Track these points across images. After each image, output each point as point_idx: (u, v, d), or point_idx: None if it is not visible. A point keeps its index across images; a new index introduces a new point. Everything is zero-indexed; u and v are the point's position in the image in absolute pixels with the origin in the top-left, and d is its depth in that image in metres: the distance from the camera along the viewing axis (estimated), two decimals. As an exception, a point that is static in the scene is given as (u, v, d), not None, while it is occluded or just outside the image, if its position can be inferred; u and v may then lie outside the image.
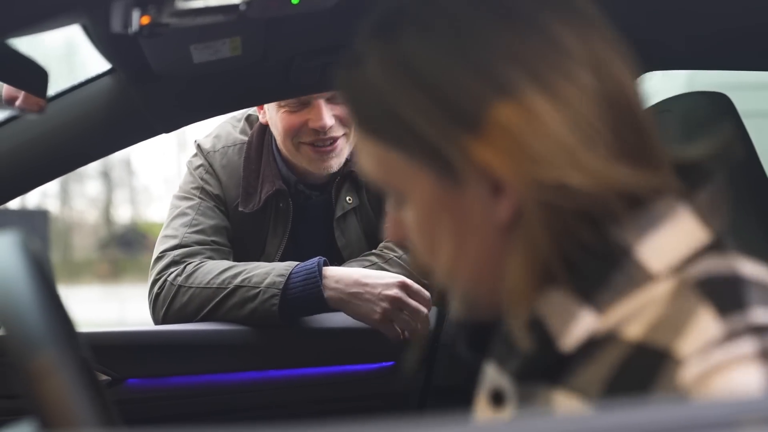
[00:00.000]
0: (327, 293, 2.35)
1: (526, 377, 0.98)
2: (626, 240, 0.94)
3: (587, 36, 0.96)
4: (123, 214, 17.06)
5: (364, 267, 2.46)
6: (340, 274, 2.39)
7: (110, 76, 2.08)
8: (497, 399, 1.01)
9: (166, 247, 2.54)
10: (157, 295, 2.48)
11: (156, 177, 16.18)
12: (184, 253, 2.52)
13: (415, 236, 1.02)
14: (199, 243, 2.55)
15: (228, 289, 2.41)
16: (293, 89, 2.23)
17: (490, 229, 0.97)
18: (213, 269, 2.46)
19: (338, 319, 2.44)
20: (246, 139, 2.66)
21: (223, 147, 2.66)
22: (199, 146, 2.70)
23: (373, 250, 2.55)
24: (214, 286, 2.42)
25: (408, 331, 2.34)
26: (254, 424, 2.41)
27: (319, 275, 2.35)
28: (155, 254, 2.57)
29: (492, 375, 1.02)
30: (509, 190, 0.94)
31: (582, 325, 0.93)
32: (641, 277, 0.93)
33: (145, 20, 1.64)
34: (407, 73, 0.96)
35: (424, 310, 2.35)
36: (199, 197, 2.62)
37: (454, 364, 2.48)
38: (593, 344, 0.93)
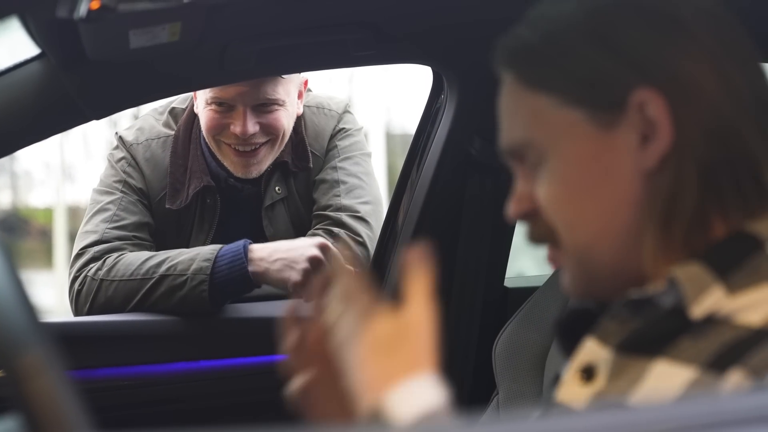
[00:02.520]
0: (251, 268, 2.34)
1: (630, 347, 1.00)
2: (762, 232, 0.99)
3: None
4: (3, 200, 16.69)
5: (291, 242, 2.44)
6: (264, 249, 2.39)
7: (39, 61, 2.02)
8: (588, 374, 1.03)
9: (86, 243, 2.50)
10: (78, 291, 2.44)
11: (37, 162, 15.85)
12: (104, 249, 2.47)
13: (552, 195, 1.04)
14: (120, 239, 2.51)
15: (153, 279, 2.37)
16: (227, 75, 2.20)
17: (633, 176, 1.00)
18: (135, 260, 2.42)
19: (271, 308, 2.42)
20: (170, 132, 2.62)
21: (147, 140, 2.62)
22: (121, 138, 2.64)
23: (318, 226, 2.53)
24: (138, 277, 2.39)
25: None
26: (186, 416, 2.39)
27: (245, 255, 2.33)
28: (75, 251, 2.52)
29: (589, 349, 1.03)
30: (662, 134, 0.98)
31: (712, 298, 0.96)
32: None
33: (95, 5, 1.60)
34: (590, 25, 1.03)
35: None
36: (122, 191, 2.57)
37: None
38: (711, 321, 0.96)
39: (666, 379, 0.95)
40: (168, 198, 2.57)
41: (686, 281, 0.98)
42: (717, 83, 0.99)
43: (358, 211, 2.55)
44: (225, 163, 2.55)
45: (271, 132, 2.50)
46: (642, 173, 1.00)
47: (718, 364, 0.93)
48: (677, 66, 0.99)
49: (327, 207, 2.56)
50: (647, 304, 0.99)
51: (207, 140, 2.54)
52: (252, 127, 2.46)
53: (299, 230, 2.60)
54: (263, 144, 2.51)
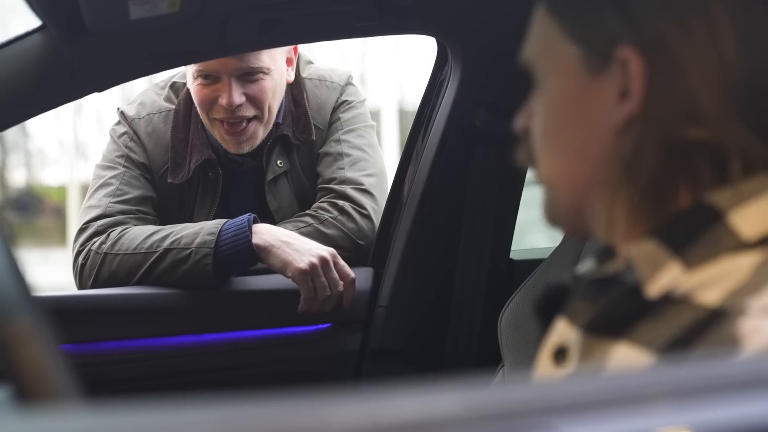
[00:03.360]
0: (255, 241, 2.33)
1: (595, 328, 0.99)
2: (722, 202, 0.97)
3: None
4: (18, 178, 16.72)
5: (299, 228, 2.44)
6: (272, 228, 2.39)
7: (40, 33, 2.01)
8: (559, 356, 1.03)
9: (90, 217, 2.49)
10: (82, 266, 2.44)
11: (51, 140, 15.88)
12: (107, 223, 2.47)
13: (537, 122, 1.07)
14: (123, 213, 2.50)
15: (157, 253, 2.37)
16: (229, 47, 2.19)
17: (604, 130, 1.01)
18: (139, 234, 2.42)
19: (274, 281, 2.41)
20: (171, 107, 2.62)
21: (148, 114, 2.61)
22: (122, 113, 2.64)
23: (308, 211, 2.53)
24: (143, 251, 2.38)
25: (321, 297, 2.34)
26: (189, 389, 2.39)
27: (249, 230, 2.33)
28: (78, 225, 2.52)
29: (560, 330, 1.03)
30: (633, 97, 0.99)
31: (668, 276, 0.95)
32: (730, 242, 0.95)
33: (91, -25, 1.59)
34: None
35: (340, 286, 2.36)
36: (124, 166, 2.56)
37: (390, 326, 2.48)
38: (668, 300, 0.94)
39: (626, 362, 0.94)
40: (170, 172, 2.56)
41: (641, 260, 0.97)
42: (708, 65, 0.97)
43: (362, 184, 2.54)
44: (218, 140, 2.54)
45: (257, 104, 2.48)
46: (611, 129, 1.00)
47: (674, 348, 0.91)
48: (671, 36, 0.98)
49: (331, 180, 2.55)
50: (610, 283, 0.98)
51: (201, 117, 2.53)
52: (238, 97, 2.44)
53: (303, 203, 2.59)
54: (251, 120, 2.50)
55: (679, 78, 0.98)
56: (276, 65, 2.49)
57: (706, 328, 0.90)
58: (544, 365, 1.05)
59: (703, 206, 0.97)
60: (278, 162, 2.58)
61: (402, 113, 13.73)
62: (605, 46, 1.01)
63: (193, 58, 2.29)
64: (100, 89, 2.13)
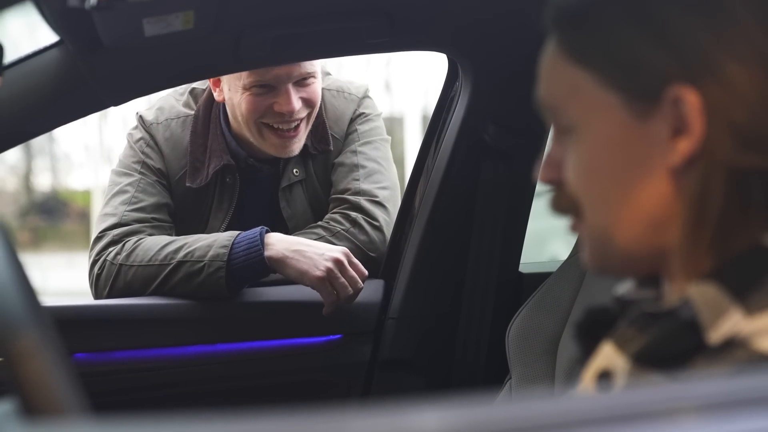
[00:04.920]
0: (267, 253, 2.35)
1: (646, 361, 0.97)
2: None
3: None
4: (43, 182, 16.80)
5: (311, 240, 2.46)
6: (283, 238, 2.41)
7: (57, 48, 2.05)
8: (603, 379, 1.01)
9: (105, 226, 2.52)
10: (98, 275, 2.47)
11: (77, 144, 15.95)
12: (123, 232, 2.50)
13: (578, 172, 1.03)
14: (138, 221, 2.53)
15: (171, 265, 2.40)
16: (242, 63, 2.22)
17: (660, 171, 0.98)
18: (153, 245, 2.44)
19: (286, 292, 2.44)
20: (190, 112, 2.64)
21: (167, 119, 2.64)
22: (141, 118, 2.66)
23: (319, 222, 2.55)
24: (157, 262, 2.41)
25: (343, 297, 2.36)
26: (202, 398, 2.43)
27: (261, 243, 2.36)
28: (95, 233, 2.55)
29: (607, 354, 1.01)
30: (693, 133, 0.95)
31: (730, 322, 0.93)
32: None
33: (104, -5, 1.63)
34: (639, 9, 0.99)
35: (360, 282, 2.38)
36: (140, 172, 2.59)
37: (400, 338, 2.51)
38: (727, 345, 0.93)
39: None
40: (188, 176, 2.59)
41: (703, 305, 0.95)
42: (759, 87, 0.95)
43: (376, 196, 2.57)
44: (264, 147, 2.55)
45: (310, 104, 2.53)
46: (669, 169, 0.97)
47: None
48: (720, 64, 0.96)
49: (345, 191, 2.58)
50: (664, 317, 0.97)
51: (246, 127, 2.54)
52: (297, 103, 2.48)
53: (317, 212, 2.62)
54: (302, 120, 2.54)
55: (737, 105, 0.95)
56: (319, 69, 2.54)
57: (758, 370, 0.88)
58: (587, 387, 1.04)
59: (764, 248, 0.95)
60: (294, 170, 2.61)
61: (426, 120, 13.71)
62: (652, 88, 0.97)
63: (207, 73, 2.32)
64: (116, 103, 2.16)
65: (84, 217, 15.59)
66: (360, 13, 2.12)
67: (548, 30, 1.06)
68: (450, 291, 2.52)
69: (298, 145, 2.55)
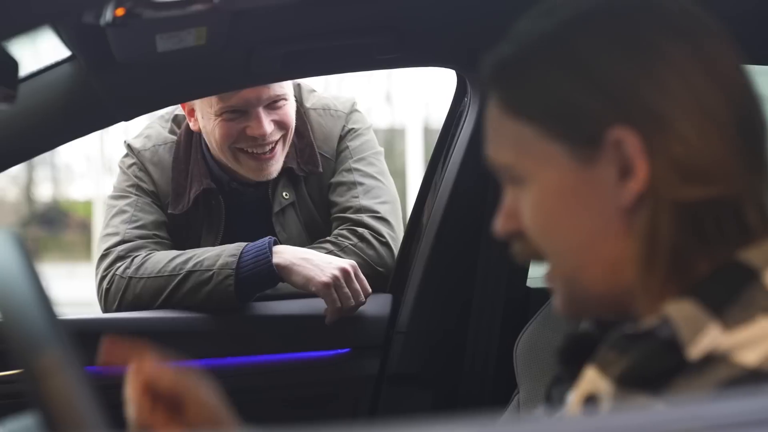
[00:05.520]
0: (275, 260, 2.37)
1: (629, 383, 0.99)
2: (756, 260, 0.97)
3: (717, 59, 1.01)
4: (44, 193, 16.79)
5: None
6: (291, 247, 2.43)
7: (69, 63, 2.06)
8: (589, 403, 1.02)
9: (110, 244, 2.54)
10: (107, 290, 2.48)
11: (78, 155, 15.95)
12: (128, 248, 2.52)
13: (533, 221, 1.04)
14: (141, 237, 2.55)
15: (180, 275, 2.41)
16: (253, 78, 2.24)
17: (612, 211, 1.00)
18: (162, 258, 2.46)
19: (295, 306, 2.45)
20: (175, 138, 2.66)
21: (154, 146, 2.66)
22: (129, 146, 2.68)
23: (328, 238, 2.56)
24: (166, 273, 2.43)
25: (346, 307, 2.37)
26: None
27: (270, 251, 2.37)
28: (99, 252, 2.56)
29: (591, 378, 1.02)
30: (638, 174, 0.97)
31: (709, 337, 0.95)
32: (765, 302, 0.95)
33: (120, 11, 1.64)
34: (570, 59, 1.01)
35: (362, 296, 2.39)
36: (136, 194, 2.61)
37: (408, 352, 2.51)
38: (707, 360, 0.94)
39: None
40: (171, 203, 2.60)
41: (681, 321, 0.96)
42: (696, 119, 0.97)
43: (377, 212, 2.57)
44: (241, 171, 2.56)
45: (283, 127, 2.52)
46: (620, 210, 0.99)
47: None
48: (653, 101, 0.98)
49: (347, 209, 2.58)
50: (643, 337, 0.98)
51: (221, 152, 2.55)
52: (269, 126, 2.49)
53: (313, 234, 2.62)
54: (278, 142, 2.54)
55: (675, 141, 0.97)
56: (290, 90, 2.55)
57: (745, 387, 0.90)
58: (574, 412, 1.04)
59: (738, 265, 0.97)
60: (284, 194, 2.61)
61: (427, 131, 13.72)
62: (593, 134, 0.99)
63: (218, 88, 2.33)
64: (127, 118, 2.17)
65: (85, 227, 15.58)
66: (370, 29, 2.13)
67: (487, 86, 1.08)
68: (458, 306, 2.53)
69: (275, 167, 2.55)
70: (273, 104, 2.49)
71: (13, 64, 1.67)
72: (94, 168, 15.45)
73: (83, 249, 14.88)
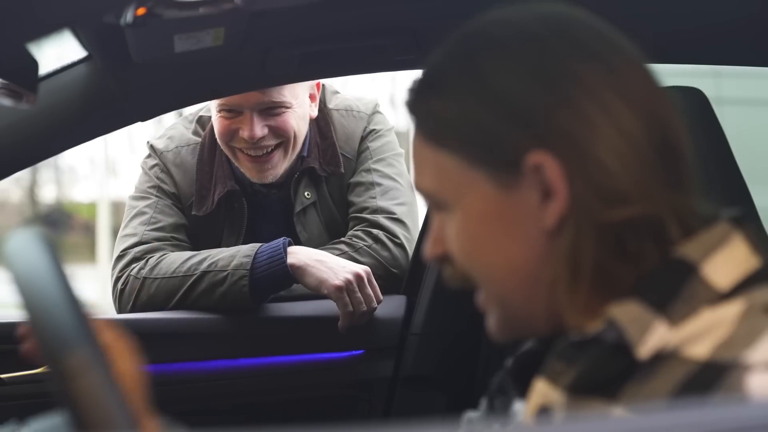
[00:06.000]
0: (290, 260, 2.37)
1: (581, 390, 0.99)
2: (692, 256, 0.98)
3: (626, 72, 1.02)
4: (48, 194, 16.81)
5: (334, 254, 2.47)
6: (306, 249, 2.43)
7: (86, 63, 2.06)
8: (542, 416, 1.03)
9: (127, 245, 2.54)
10: (122, 290, 2.48)
11: (82, 157, 15.97)
12: (144, 249, 2.52)
13: (459, 246, 1.05)
14: (159, 239, 2.55)
15: (195, 276, 2.41)
16: (269, 79, 2.24)
17: (536, 234, 1.01)
18: (177, 259, 2.46)
19: (309, 308, 2.45)
20: (198, 139, 2.67)
21: (176, 147, 2.67)
22: (152, 147, 2.70)
23: (342, 239, 2.56)
24: (180, 274, 2.43)
25: (357, 311, 2.37)
26: (224, 413, 2.43)
27: (284, 252, 2.37)
28: (115, 253, 2.57)
29: (541, 391, 1.03)
30: (559, 197, 0.98)
31: (656, 335, 0.95)
32: (707, 294, 0.96)
33: (141, 11, 1.64)
34: (484, 87, 1.01)
35: (374, 303, 2.38)
36: (156, 196, 2.62)
37: (422, 354, 2.51)
38: (658, 358, 0.95)
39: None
40: (195, 204, 2.61)
41: (626, 322, 0.97)
42: (613, 143, 0.98)
43: (394, 213, 2.57)
44: (242, 169, 2.58)
45: (280, 134, 2.53)
46: (544, 232, 1.00)
47: None
48: (570, 127, 0.98)
49: (364, 209, 2.58)
50: (590, 344, 0.99)
51: (222, 148, 2.58)
52: (260, 130, 2.49)
53: (333, 234, 2.63)
54: (275, 148, 2.54)
55: (593, 164, 0.97)
56: (298, 101, 2.53)
57: (704, 383, 0.90)
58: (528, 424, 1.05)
59: (676, 260, 0.98)
60: (306, 194, 2.62)
61: (430, 135, 13.71)
62: (512, 160, 1.00)
63: (235, 89, 2.33)
64: (144, 119, 2.17)
65: (89, 229, 15.59)
66: (387, 30, 2.12)
67: (408, 117, 1.08)
68: (472, 308, 2.50)
69: (272, 172, 2.56)
70: (269, 110, 2.50)
71: (34, 66, 1.66)
72: (98, 170, 15.46)
73: (87, 251, 14.88)
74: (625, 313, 0.97)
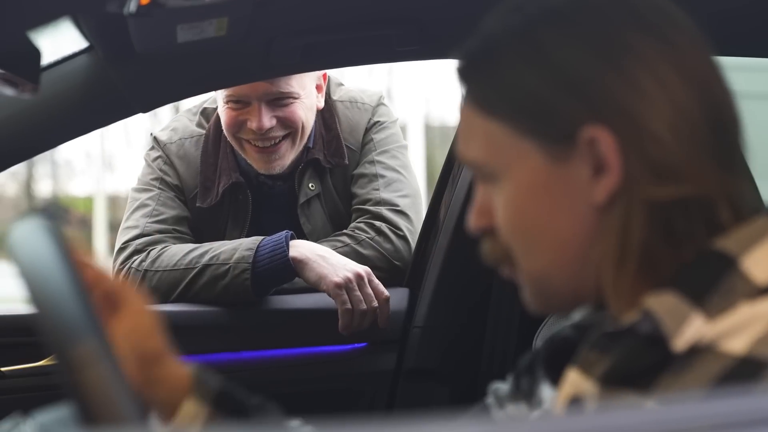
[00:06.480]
0: (292, 254, 2.36)
1: (614, 381, 0.98)
2: (732, 249, 0.96)
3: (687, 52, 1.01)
4: (44, 189, 16.80)
5: (336, 248, 2.46)
6: (309, 243, 2.43)
7: (87, 54, 2.04)
8: (574, 407, 1.01)
9: (128, 237, 2.53)
10: None
11: (78, 151, 15.96)
12: (146, 242, 2.51)
13: (505, 219, 1.03)
14: (161, 232, 2.54)
15: (197, 269, 2.40)
16: (272, 70, 2.22)
17: (585, 209, 0.99)
18: (178, 251, 2.45)
19: (311, 300, 2.44)
20: (202, 132, 2.66)
21: (180, 139, 2.66)
22: (155, 138, 2.69)
23: (345, 230, 2.55)
24: (182, 267, 2.42)
25: (357, 311, 2.35)
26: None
27: (287, 245, 2.36)
28: (117, 246, 2.56)
29: (573, 381, 1.02)
30: (612, 172, 0.97)
31: (692, 327, 0.94)
32: (746, 289, 0.94)
33: (145, 1, 1.62)
34: (541, 56, 1.00)
35: (375, 302, 2.37)
36: (159, 188, 2.61)
37: (425, 347, 2.50)
38: (692, 351, 0.93)
39: None
40: (199, 196, 2.60)
41: (663, 313, 0.95)
42: (669, 118, 0.97)
43: (397, 205, 2.57)
44: (248, 160, 2.57)
45: (289, 125, 2.52)
46: (593, 207, 0.99)
47: None
48: (627, 100, 0.97)
49: (367, 201, 2.57)
50: (625, 334, 0.97)
51: (228, 139, 2.56)
52: (268, 121, 2.48)
53: (337, 225, 2.62)
54: (283, 138, 2.53)
55: (648, 140, 0.96)
56: (305, 91, 2.52)
57: (740, 379, 0.89)
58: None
59: (715, 253, 0.96)
60: (310, 185, 2.61)
61: (428, 128, 13.73)
62: (565, 132, 0.99)
63: (237, 80, 2.32)
64: (145, 110, 2.16)
65: (85, 224, 15.58)
66: (390, 21, 2.11)
67: (459, 85, 1.07)
68: (476, 300, 2.51)
69: (280, 162, 2.55)
70: (277, 101, 2.49)
71: (36, 56, 1.65)
72: (95, 164, 15.46)
73: (83, 245, 14.89)
74: (662, 304, 0.96)
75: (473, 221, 1.07)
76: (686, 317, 0.94)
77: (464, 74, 1.06)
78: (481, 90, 1.04)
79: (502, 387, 1.25)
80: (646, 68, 0.97)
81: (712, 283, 0.95)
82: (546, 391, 1.14)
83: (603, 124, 0.97)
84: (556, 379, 1.08)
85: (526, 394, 1.19)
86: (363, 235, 2.51)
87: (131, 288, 1.25)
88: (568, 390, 1.02)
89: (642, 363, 0.96)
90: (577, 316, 1.13)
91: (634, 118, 0.97)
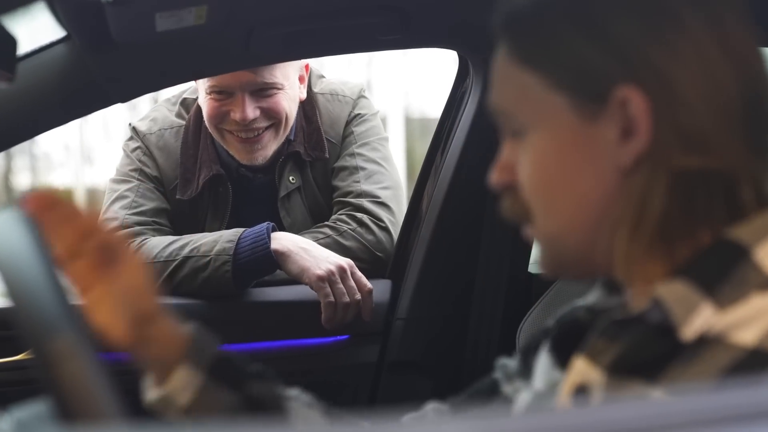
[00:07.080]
0: (273, 246, 2.34)
1: (621, 370, 0.97)
2: (745, 238, 0.95)
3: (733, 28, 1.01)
4: (23, 182, 16.72)
5: (318, 239, 2.45)
6: (290, 235, 2.40)
7: (64, 44, 2.02)
8: (580, 395, 1.01)
9: None
10: None
11: (57, 144, 15.89)
12: (125, 234, 2.48)
13: (529, 175, 1.02)
14: (140, 224, 2.52)
15: (177, 261, 2.38)
16: (254, 59, 2.20)
17: (610, 171, 0.99)
18: (158, 243, 2.43)
19: (293, 292, 2.42)
20: (182, 122, 2.63)
21: (160, 129, 2.63)
22: (134, 129, 2.66)
23: (326, 222, 2.53)
24: (162, 259, 2.39)
25: (340, 303, 2.34)
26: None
27: (268, 237, 2.34)
28: None
29: (580, 369, 1.01)
30: (640, 135, 0.96)
31: (702, 317, 0.93)
32: (758, 280, 0.93)
33: (123, -12, 1.60)
34: (582, 13, 1.00)
35: (358, 295, 2.36)
36: (138, 179, 2.58)
37: (408, 339, 2.48)
38: (701, 342, 0.92)
39: None
40: (179, 188, 2.57)
41: (673, 302, 0.94)
42: (704, 89, 0.97)
43: (378, 197, 2.55)
44: (230, 151, 2.55)
45: (272, 116, 2.50)
46: (618, 170, 0.98)
47: None
48: (665, 66, 0.97)
49: (348, 193, 2.56)
50: (634, 323, 0.97)
51: (210, 130, 2.54)
52: (252, 112, 2.46)
53: (317, 218, 2.60)
54: (267, 129, 2.51)
55: (681, 107, 0.96)
56: (289, 82, 2.50)
57: (749, 371, 0.88)
58: (564, 404, 1.03)
59: (728, 242, 0.95)
60: (290, 178, 2.59)
61: (408, 120, 13.72)
62: (599, 90, 0.98)
63: (217, 69, 2.30)
64: (124, 100, 2.13)
65: (64, 216, 15.50)
66: (372, 9, 2.09)
67: (498, 35, 1.07)
68: (459, 292, 2.50)
69: (262, 152, 2.53)
70: (261, 92, 2.47)
71: (12, 44, 1.62)
72: (74, 157, 15.39)
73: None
74: (672, 292, 0.95)
75: (495, 176, 1.06)
76: (696, 306, 0.93)
77: (508, 26, 1.05)
78: (521, 43, 1.04)
79: (510, 363, 1.25)
80: (689, 39, 0.97)
81: (725, 273, 0.94)
82: (542, 360, 1.14)
83: (637, 85, 0.97)
84: (563, 361, 1.08)
85: (533, 371, 1.18)
86: (345, 227, 2.50)
87: (127, 244, 1.23)
88: (574, 378, 1.01)
89: (650, 352, 0.95)
90: (591, 298, 1.13)
91: (668, 84, 0.96)
